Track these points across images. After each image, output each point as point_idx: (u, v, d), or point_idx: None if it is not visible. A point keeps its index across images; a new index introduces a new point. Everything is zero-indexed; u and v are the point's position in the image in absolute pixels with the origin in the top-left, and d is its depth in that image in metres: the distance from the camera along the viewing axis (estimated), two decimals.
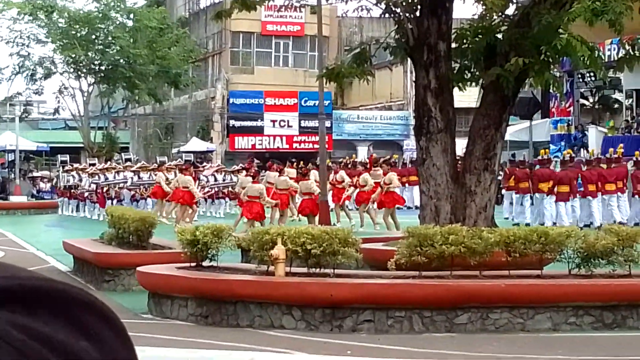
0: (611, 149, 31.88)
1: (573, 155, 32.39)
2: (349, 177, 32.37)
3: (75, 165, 45.76)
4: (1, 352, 0.74)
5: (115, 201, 36.39)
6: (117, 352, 0.82)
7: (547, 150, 33.27)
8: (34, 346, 0.76)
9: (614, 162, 30.39)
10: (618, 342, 13.55)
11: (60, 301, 0.80)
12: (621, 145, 33.26)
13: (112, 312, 0.83)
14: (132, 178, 37.80)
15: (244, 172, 32.32)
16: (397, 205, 29.39)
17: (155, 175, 35.31)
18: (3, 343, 0.75)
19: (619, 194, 29.86)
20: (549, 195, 29.77)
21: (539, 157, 31.79)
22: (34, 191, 55.04)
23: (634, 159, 30.09)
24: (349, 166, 37.64)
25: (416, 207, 27.51)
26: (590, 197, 29.52)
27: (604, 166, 30.52)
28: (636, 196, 29.56)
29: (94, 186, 38.94)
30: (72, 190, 41.62)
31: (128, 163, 41.08)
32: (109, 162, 43.52)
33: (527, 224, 25.59)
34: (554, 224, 27.66)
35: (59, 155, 51.07)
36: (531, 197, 30.54)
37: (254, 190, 27.18)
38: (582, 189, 29.84)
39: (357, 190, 30.70)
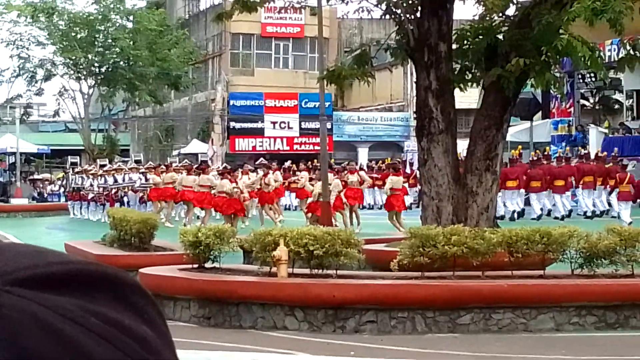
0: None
1: (517, 156, 33.68)
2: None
3: (84, 167, 45.68)
4: (89, 341, 0.75)
5: (123, 203, 36.32)
6: (165, 333, 0.84)
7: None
8: (114, 332, 0.77)
9: (565, 160, 33.01)
10: (621, 342, 13.56)
11: (114, 285, 0.81)
12: (547, 149, 35.91)
13: (151, 294, 0.85)
14: (139, 179, 37.59)
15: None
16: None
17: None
18: (89, 331, 0.76)
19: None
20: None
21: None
22: (35, 193, 55.04)
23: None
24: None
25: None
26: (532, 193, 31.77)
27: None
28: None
29: (100, 188, 38.88)
30: (81, 192, 41.55)
31: (134, 165, 40.74)
32: (118, 164, 43.25)
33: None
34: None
35: (68, 157, 50.98)
36: None
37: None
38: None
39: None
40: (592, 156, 33.72)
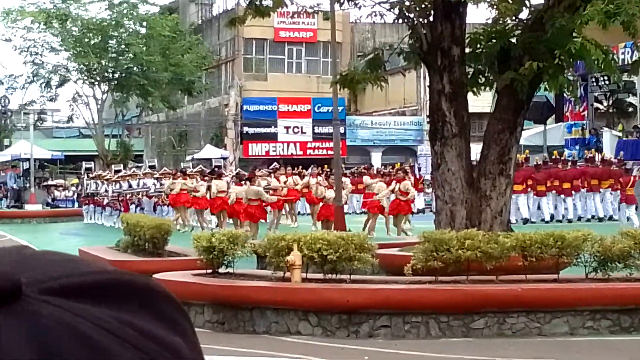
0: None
1: (523, 160, 34.02)
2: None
3: (99, 172, 45.75)
4: (125, 353, 0.75)
5: (137, 209, 36.33)
6: (195, 342, 0.84)
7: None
8: (148, 344, 0.77)
9: (572, 164, 33.67)
10: (636, 345, 13.51)
11: (147, 295, 0.81)
12: (554, 152, 37.04)
13: (181, 303, 0.85)
14: (154, 185, 37.57)
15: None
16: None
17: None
18: (125, 343, 0.76)
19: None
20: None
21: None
22: (49, 199, 55.16)
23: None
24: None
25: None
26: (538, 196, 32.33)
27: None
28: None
29: (115, 194, 38.93)
30: (95, 198, 41.67)
31: (148, 170, 40.71)
32: (132, 170, 43.29)
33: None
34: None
35: (83, 163, 51.13)
36: None
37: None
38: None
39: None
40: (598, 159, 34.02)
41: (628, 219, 28.91)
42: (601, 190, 32.08)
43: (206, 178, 33.97)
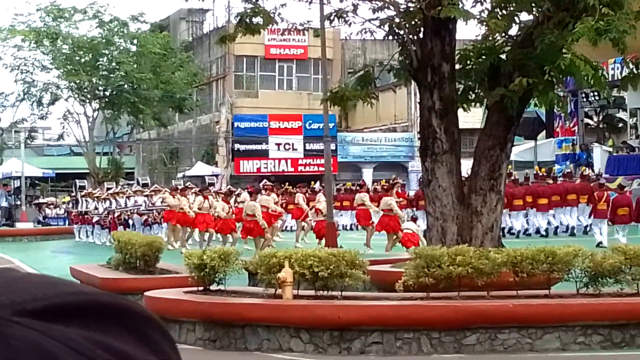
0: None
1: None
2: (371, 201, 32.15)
3: (89, 190, 45.65)
4: None
5: (129, 226, 36.25)
6: None
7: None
8: None
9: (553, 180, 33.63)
10: None
11: (125, 316, 0.82)
12: (536, 168, 36.79)
13: (164, 325, 0.86)
14: (144, 202, 37.47)
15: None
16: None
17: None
18: None
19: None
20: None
21: None
22: (40, 217, 55.07)
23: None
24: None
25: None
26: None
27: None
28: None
29: (106, 211, 38.84)
30: (86, 216, 41.58)
31: (138, 187, 40.56)
32: (121, 187, 43.18)
33: None
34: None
35: (76, 180, 51.11)
36: None
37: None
38: None
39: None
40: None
41: (588, 233, 29.19)
42: (580, 205, 32.12)
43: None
